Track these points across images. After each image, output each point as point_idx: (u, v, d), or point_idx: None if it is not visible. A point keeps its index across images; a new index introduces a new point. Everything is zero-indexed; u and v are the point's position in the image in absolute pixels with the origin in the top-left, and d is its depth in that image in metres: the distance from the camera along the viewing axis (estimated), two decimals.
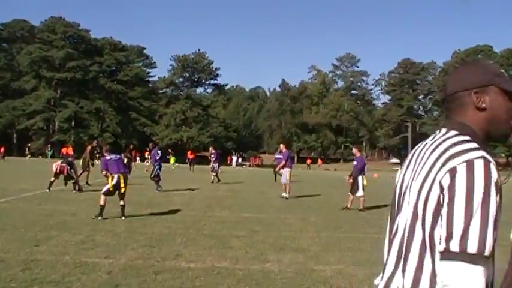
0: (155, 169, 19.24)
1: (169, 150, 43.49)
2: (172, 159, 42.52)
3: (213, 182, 23.71)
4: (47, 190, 16.17)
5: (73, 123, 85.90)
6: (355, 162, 15.23)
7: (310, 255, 7.85)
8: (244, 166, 73.04)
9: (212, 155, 25.34)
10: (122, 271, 6.39)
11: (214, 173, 24.38)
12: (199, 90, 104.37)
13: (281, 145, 19.58)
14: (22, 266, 6.38)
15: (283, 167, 17.82)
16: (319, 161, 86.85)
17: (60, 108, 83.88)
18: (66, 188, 16.74)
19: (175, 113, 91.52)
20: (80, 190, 16.55)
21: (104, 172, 11.24)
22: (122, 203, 11.00)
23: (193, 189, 20.11)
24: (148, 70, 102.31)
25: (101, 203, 10.76)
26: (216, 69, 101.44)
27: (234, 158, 73.89)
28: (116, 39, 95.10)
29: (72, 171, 16.83)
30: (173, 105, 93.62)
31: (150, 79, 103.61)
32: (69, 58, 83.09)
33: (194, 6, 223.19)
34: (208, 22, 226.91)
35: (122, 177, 10.91)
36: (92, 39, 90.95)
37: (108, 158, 11.24)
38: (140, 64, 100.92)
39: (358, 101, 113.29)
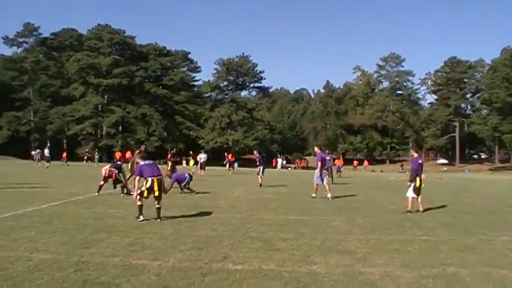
0: (188, 178, 18.89)
1: (190, 153, 44.34)
2: (191, 162, 43.08)
3: (260, 185, 23.66)
4: (96, 194, 16.55)
5: (120, 128, 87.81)
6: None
7: (357, 258, 7.77)
8: (289, 168, 72.75)
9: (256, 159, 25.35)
10: (170, 273, 6.49)
11: (259, 176, 24.32)
12: (244, 93, 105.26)
13: (315, 147, 19.46)
14: (74, 268, 6.58)
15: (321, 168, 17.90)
16: (366, 162, 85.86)
17: (107, 113, 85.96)
18: (115, 192, 17.08)
19: (220, 117, 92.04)
20: (128, 193, 16.69)
21: (137, 178, 11.41)
22: (158, 205, 11.14)
23: (239, 192, 20.21)
24: (193, 74, 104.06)
25: (138, 203, 10.98)
26: (260, 72, 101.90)
27: (279, 161, 73.68)
28: (160, 44, 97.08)
29: (120, 175, 17.10)
30: (218, 108, 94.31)
31: (195, 83, 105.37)
32: (115, 64, 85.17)
33: (237, 11, 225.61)
34: (251, 25, 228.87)
35: (156, 181, 11.01)
36: (138, 45, 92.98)
37: (142, 163, 11.41)
38: (185, 69, 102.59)
39: (404, 101, 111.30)
